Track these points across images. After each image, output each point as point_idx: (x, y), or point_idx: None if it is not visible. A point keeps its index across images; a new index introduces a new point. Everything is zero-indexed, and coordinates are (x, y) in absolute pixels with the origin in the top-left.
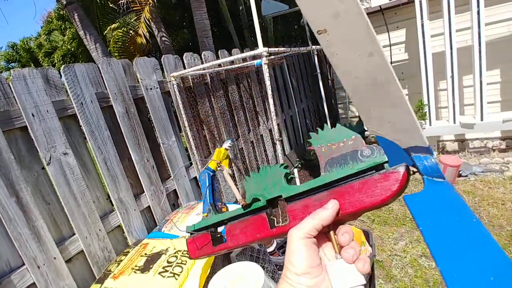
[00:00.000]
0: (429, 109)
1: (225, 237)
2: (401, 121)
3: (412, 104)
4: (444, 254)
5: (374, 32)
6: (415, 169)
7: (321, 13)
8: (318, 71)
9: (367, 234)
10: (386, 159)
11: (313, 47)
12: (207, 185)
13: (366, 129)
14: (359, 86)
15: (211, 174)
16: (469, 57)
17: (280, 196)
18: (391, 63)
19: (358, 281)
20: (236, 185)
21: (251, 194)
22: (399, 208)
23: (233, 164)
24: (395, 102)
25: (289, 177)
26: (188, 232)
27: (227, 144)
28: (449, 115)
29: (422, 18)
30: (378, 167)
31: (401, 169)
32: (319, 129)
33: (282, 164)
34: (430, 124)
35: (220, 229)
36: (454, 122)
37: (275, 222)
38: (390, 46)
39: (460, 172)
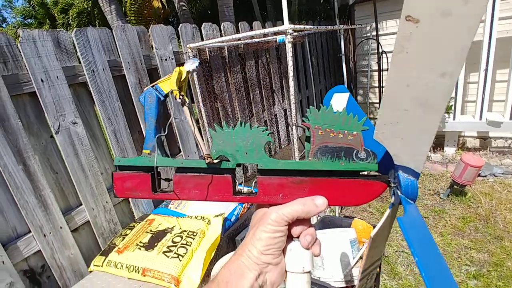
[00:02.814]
0: (455, 102)
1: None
2: (415, 147)
3: None
4: (426, 266)
5: (465, 55)
6: (392, 184)
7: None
8: (343, 52)
9: None
10: (377, 169)
11: (341, 26)
12: (155, 112)
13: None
14: (403, 94)
15: (162, 99)
16: (508, 49)
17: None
18: None
19: (309, 267)
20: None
21: (219, 149)
22: None
23: None
24: (424, 130)
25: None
26: (116, 166)
27: (193, 65)
28: (475, 110)
29: None
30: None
31: (384, 184)
32: (322, 106)
33: (265, 129)
34: (454, 118)
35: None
36: (480, 119)
37: (241, 190)
38: None
39: (480, 172)
